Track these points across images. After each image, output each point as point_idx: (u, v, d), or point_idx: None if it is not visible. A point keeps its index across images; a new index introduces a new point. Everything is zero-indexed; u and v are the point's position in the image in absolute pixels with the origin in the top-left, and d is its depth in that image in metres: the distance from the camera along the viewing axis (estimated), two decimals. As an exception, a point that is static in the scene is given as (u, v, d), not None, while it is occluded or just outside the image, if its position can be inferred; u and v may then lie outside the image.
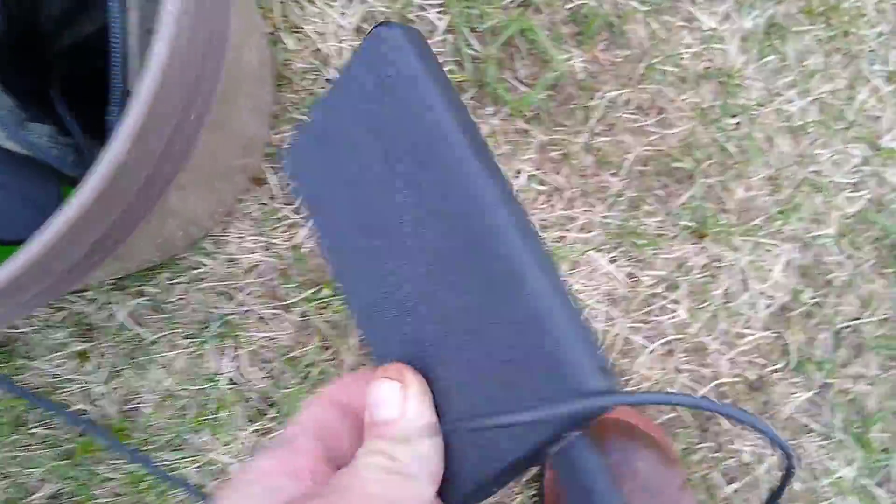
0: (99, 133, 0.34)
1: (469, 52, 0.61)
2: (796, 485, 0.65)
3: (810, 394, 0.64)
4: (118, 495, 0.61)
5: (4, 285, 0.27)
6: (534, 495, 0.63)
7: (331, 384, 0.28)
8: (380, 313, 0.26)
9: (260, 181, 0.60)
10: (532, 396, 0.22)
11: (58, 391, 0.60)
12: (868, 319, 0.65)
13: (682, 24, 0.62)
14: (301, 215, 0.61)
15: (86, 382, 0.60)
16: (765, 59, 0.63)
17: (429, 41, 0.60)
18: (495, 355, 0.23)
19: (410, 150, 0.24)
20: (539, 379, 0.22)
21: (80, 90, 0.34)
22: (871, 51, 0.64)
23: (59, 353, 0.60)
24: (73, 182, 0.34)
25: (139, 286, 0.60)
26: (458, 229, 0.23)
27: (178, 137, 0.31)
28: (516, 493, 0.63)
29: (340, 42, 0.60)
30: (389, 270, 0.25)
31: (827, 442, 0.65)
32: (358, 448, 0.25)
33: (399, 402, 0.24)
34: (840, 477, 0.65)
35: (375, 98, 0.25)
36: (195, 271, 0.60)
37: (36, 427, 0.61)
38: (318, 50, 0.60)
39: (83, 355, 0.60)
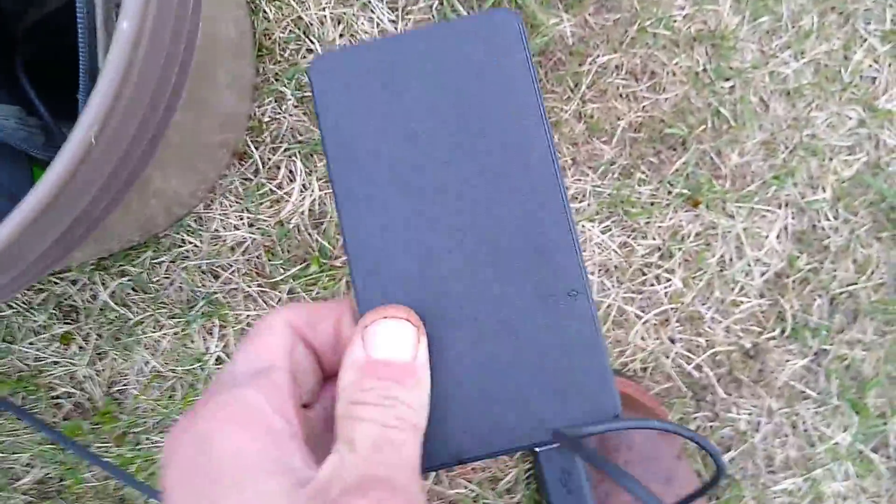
0: (70, 114, 0.33)
1: (454, 16, 0.59)
2: (791, 452, 0.64)
3: (806, 360, 0.64)
4: (108, 478, 0.60)
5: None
6: (528, 468, 0.63)
7: (287, 309, 0.26)
8: (393, 264, 0.25)
9: (243, 156, 0.59)
10: (540, 402, 0.24)
11: (42, 374, 0.59)
12: (864, 284, 0.64)
13: (673, -15, 0.61)
14: (284, 191, 0.59)
15: (70, 365, 0.59)
16: (759, 20, 0.61)
17: (414, 6, 0.58)
18: (522, 351, 0.24)
19: (490, 132, 0.25)
20: (556, 393, 0.24)
21: (47, 70, 0.33)
22: (866, 9, 0.63)
23: (41, 336, 0.59)
24: (44, 165, 0.33)
25: (122, 266, 0.59)
26: (520, 227, 0.24)
27: (151, 116, 0.29)
28: (511, 468, 0.63)
29: (323, 9, 0.58)
30: (425, 224, 0.25)
31: (823, 408, 0.64)
32: (320, 386, 0.25)
33: (412, 343, 0.23)
34: (836, 443, 0.64)
35: (469, 68, 0.25)
36: (179, 249, 0.59)
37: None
38: (300, 18, 0.58)
39: (67, 337, 0.59)
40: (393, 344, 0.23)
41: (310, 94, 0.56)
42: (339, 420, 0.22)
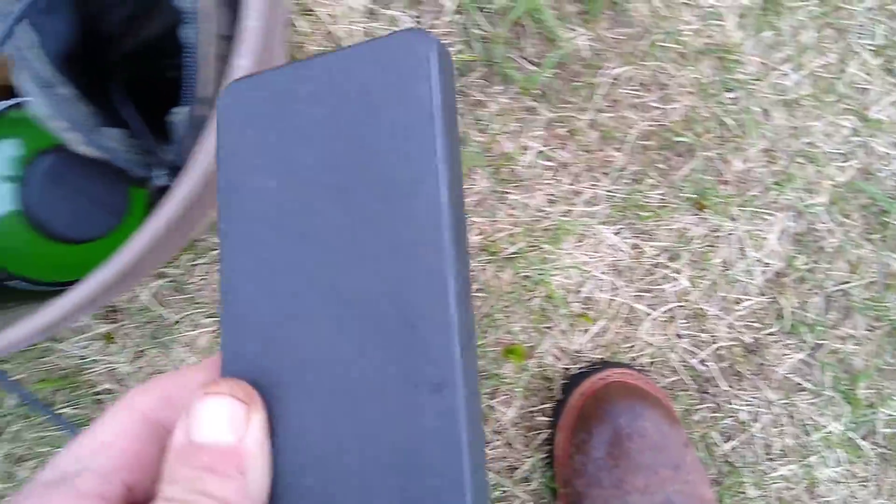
0: (156, 130, 0.36)
1: (478, 32, 0.62)
2: (788, 440, 0.69)
3: (802, 354, 0.68)
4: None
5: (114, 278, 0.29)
6: (545, 457, 0.66)
7: (138, 391, 0.22)
8: (256, 322, 0.22)
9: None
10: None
11: (84, 372, 0.62)
12: (857, 283, 0.68)
13: (682, 1, 0.64)
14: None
15: (112, 363, 0.62)
16: (761, 35, 0.65)
17: (437, 20, 0.61)
18: (376, 444, 0.20)
19: (379, 177, 0.21)
20: (404, 498, 0.20)
21: (137, 92, 0.35)
22: (859, 25, 0.67)
23: (84, 335, 0.62)
24: (138, 182, 0.36)
25: (161, 268, 0.61)
26: (395, 294, 0.20)
27: None
28: (527, 457, 0.66)
29: (351, 24, 0.61)
30: (297, 279, 0.22)
31: (817, 399, 0.69)
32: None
33: (241, 423, 0.20)
34: (829, 431, 0.69)
35: (368, 100, 0.21)
36: (215, 252, 0.62)
37: (65, 407, 0.62)
38: (330, 32, 0.61)
39: (108, 337, 0.62)
40: (214, 423, 0.19)
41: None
42: None
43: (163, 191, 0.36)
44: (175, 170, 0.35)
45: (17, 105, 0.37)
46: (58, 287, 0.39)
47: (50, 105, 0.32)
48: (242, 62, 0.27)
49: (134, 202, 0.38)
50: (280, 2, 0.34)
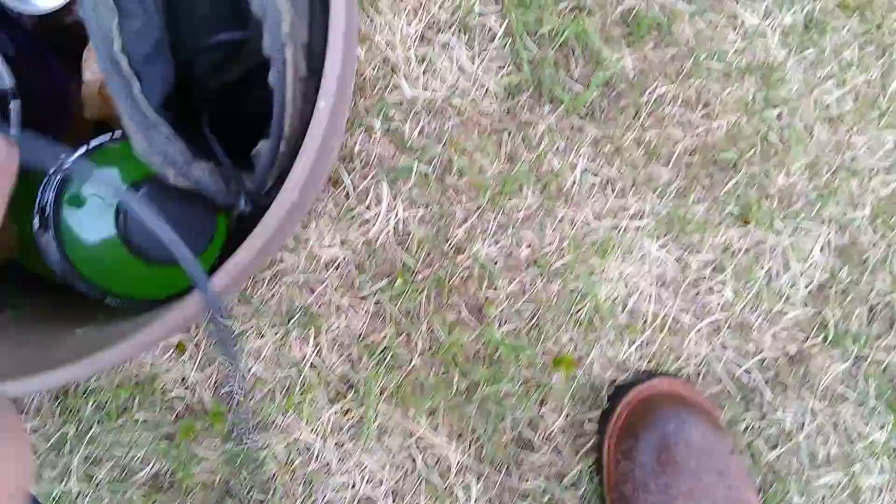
0: (238, 160, 0.39)
1: (526, 54, 0.65)
2: (833, 449, 0.70)
3: (846, 365, 0.69)
4: (213, 472, 0.67)
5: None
6: (592, 464, 0.69)
7: None
8: None
9: (336, 182, 0.65)
10: None
11: (156, 380, 0.66)
12: (900, 294, 0.69)
13: (726, 21, 0.66)
14: (372, 212, 0.65)
15: (183, 371, 0.66)
16: (804, 53, 0.67)
17: (490, 44, 0.64)
18: None
19: None
20: None
21: (223, 124, 0.39)
22: (903, 42, 0.68)
23: (158, 345, 0.66)
24: (222, 208, 0.39)
25: (227, 281, 0.65)
26: None
27: (325, 161, 0.36)
28: (575, 463, 0.69)
29: (408, 50, 0.64)
30: None
31: (861, 409, 0.70)
32: None
33: None
34: (873, 441, 0.70)
35: None
36: (280, 266, 0.65)
37: (139, 412, 0.66)
38: (387, 59, 0.64)
39: (180, 346, 0.66)
40: None
41: (396, 123, 0.62)
42: None
43: (243, 216, 0.39)
44: (255, 197, 0.39)
45: (116, 139, 0.41)
46: (149, 302, 0.43)
47: (148, 143, 0.35)
48: (323, 104, 0.30)
49: (218, 226, 0.41)
50: (354, 44, 0.37)
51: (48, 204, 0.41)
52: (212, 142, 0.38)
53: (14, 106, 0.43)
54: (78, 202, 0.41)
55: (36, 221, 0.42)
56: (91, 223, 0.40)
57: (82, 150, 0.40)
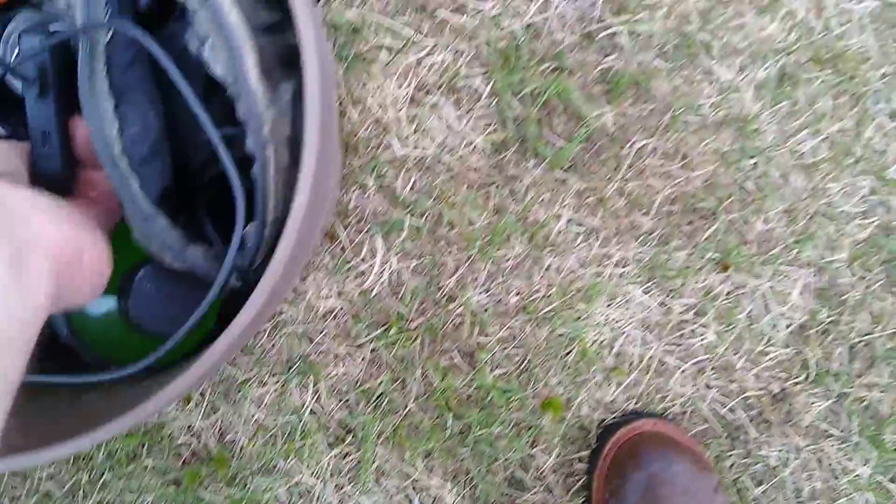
0: (229, 239, 0.43)
1: (510, 113, 0.68)
2: (818, 484, 0.72)
3: (829, 402, 0.72)
4: (219, 514, 0.70)
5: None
6: (582, 502, 0.71)
7: None
8: None
9: (332, 236, 0.68)
10: None
11: (164, 427, 0.69)
12: (879, 334, 0.72)
13: (701, 77, 0.69)
14: (367, 264, 0.69)
15: (188, 418, 0.69)
16: (778, 105, 0.70)
17: (476, 104, 0.67)
18: None
19: None
20: None
21: (215, 207, 0.42)
22: (875, 91, 0.71)
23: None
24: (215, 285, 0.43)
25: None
26: None
27: (308, 238, 0.39)
28: (566, 502, 0.71)
29: (399, 110, 0.68)
30: None
31: (845, 445, 0.72)
32: None
33: None
34: (858, 475, 0.72)
35: None
36: (280, 317, 0.69)
37: (148, 459, 0.70)
38: (379, 120, 0.68)
39: (186, 396, 0.69)
40: None
41: (388, 180, 0.66)
42: None
43: (234, 291, 0.43)
44: (246, 274, 0.42)
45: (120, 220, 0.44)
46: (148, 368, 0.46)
47: (147, 232, 0.39)
48: (301, 198, 0.34)
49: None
50: (332, 136, 0.40)
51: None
52: (206, 225, 0.42)
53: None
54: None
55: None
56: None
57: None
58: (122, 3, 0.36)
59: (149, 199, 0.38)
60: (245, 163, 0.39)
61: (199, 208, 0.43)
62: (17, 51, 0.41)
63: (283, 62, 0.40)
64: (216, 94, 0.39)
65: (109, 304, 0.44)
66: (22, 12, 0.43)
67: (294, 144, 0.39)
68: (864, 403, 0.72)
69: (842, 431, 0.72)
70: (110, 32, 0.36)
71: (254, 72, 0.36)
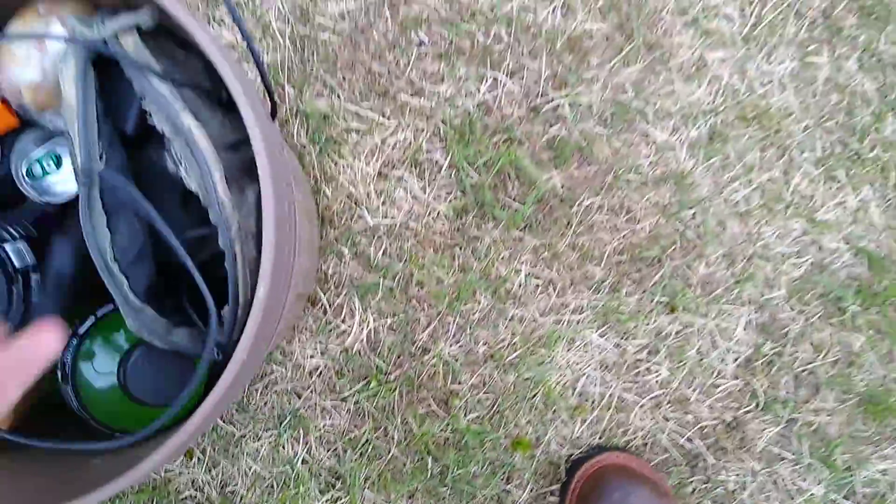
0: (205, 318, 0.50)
1: (468, 181, 0.76)
2: (776, 504, 0.78)
3: (779, 428, 0.78)
4: (223, 560, 0.77)
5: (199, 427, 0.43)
6: (557, 532, 0.77)
7: None
8: None
9: (314, 301, 0.76)
10: None
11: (170, 483, 0.76)
12: (821, 362, 0.78)
13: (639, 139, 0.77)
14: (347, 324, 0.76)
15: (192, 473, 0.76)
16: (711, 160, 0.77)
17: (437, 174, 0.75)
18: None
19: None
20: None
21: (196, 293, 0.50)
22: (799, 142, 0.78)
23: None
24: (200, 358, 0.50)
25: (226, 393, 0.76)
26: None
27: (278, 312, 0.47)
28: (543, 532, 0.77)
29: (368, 186, 0.76)
30: None
31: (798, 466, 0.78)
32: None
33: None
34: (812, 494, 0.78)
35: None
36: (270, 377, 0.76)
37: (156, 512, 0.77)
38: (350, 195, 0.76)
39: (189, 453, 0.76)
40: None
41: (362, 247, 0.73)
42: None
43: (216, 363, 0.50)
44: (226, 348, 0.50)
45: (111, 311, 0.52)
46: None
47: (137, 323, 0.47)
48: (261, 291, 0.42)
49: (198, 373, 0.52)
50: (286, 229, 0.48)
51: (67, 362, 0.52)
52: (188, 309, 0.50)
53: (35, 278, 0.54)
54: (89, 356, 0.52)
55: (59, 374, 0.53)
56: (99, 375, 0.52)
57: (92, 319, 0.52)
58: (114, 145, 0.44)
59: (137, 296, 0.46)
60: (220, 256, 0.47)
61: (182, 295, 0.50)
62: (26, 168, 0.50)
63: (247, 170, 0.48)
64: (193, 201, 0.47)
65: (112, 380, 0.51)
66: (27, 131, 0.52)
67: (259, 238, 0.47)
68: (813, 427, 0.78)
69: (794, 454, 0.78)
70: (103, 162, 0.44)
71: (221, 185, 0.44)
